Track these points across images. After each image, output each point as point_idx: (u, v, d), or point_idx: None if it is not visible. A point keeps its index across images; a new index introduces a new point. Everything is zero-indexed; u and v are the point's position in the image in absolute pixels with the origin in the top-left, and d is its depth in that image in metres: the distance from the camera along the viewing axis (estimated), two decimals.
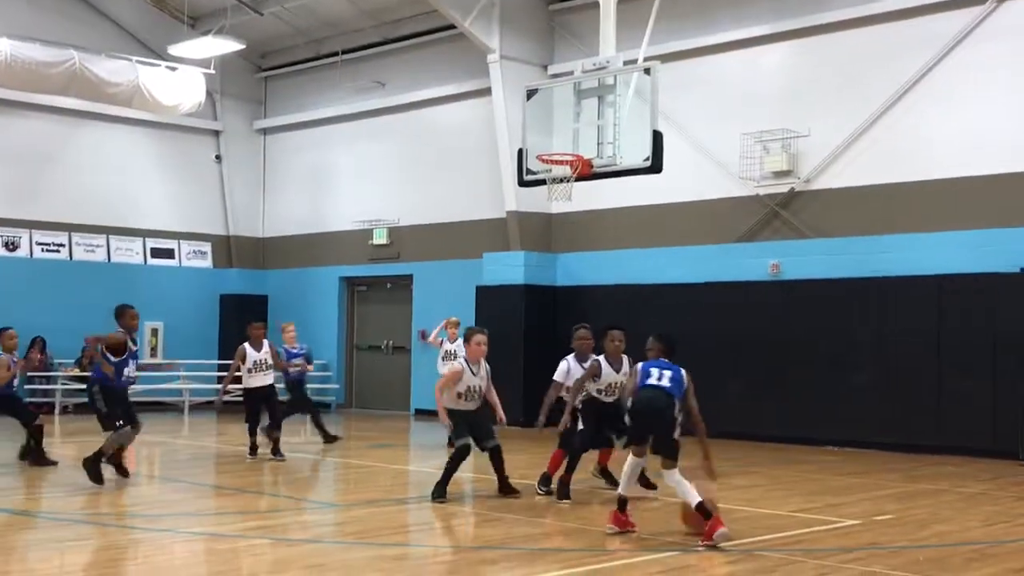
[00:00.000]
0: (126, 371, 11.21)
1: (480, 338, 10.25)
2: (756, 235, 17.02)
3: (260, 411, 13.66)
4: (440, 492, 10.13)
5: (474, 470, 12.06)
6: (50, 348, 20.54)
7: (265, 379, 13.71)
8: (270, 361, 13.78)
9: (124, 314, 11.32)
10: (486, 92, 19.32)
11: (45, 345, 20.35)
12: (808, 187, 16.55)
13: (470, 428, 10.17)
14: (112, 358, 11.11)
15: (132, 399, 11.65)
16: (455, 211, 20.67)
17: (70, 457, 12.94)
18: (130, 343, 11.24)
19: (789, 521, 9.51)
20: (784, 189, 16.70)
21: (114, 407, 11.16)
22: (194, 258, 23.69)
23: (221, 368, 22.66)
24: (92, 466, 10.94)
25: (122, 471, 11.48)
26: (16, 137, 21.12)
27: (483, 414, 10.42)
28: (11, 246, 21.07)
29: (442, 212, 20.90)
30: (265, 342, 13.80)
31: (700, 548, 7.92)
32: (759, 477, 12.62)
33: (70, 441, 15.33)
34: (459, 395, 10.20)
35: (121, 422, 11.12)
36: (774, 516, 9.78)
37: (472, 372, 10.20)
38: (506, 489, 10.43)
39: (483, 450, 10.29)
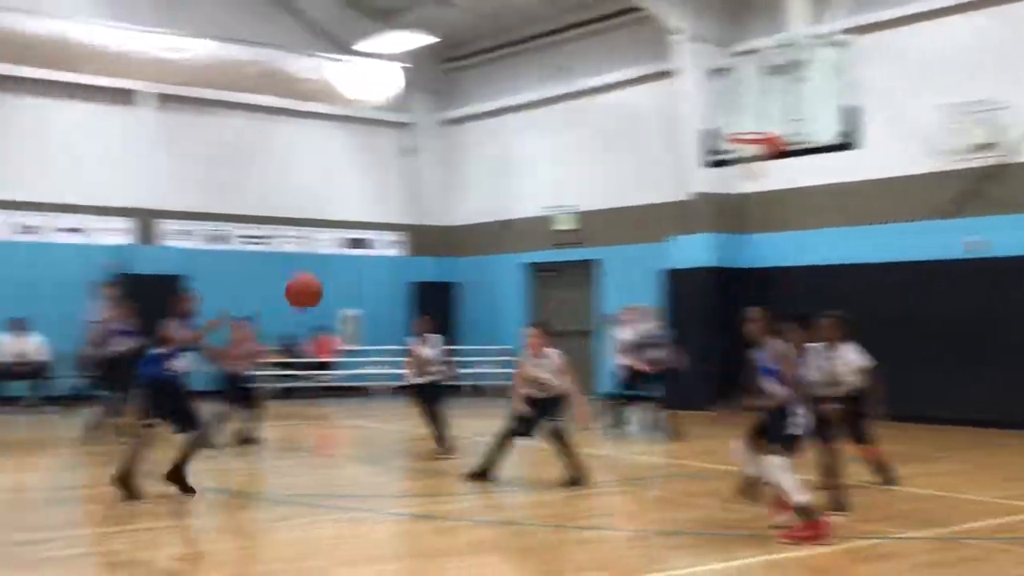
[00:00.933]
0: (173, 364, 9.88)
1: (527, 331, 10.69)
2: (956, 211, 16.29)
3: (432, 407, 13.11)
4: (480, 472, 10.39)
5: (666, 456, 12.02)
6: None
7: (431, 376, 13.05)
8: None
9: (182, 301, 10.42)
10: (670, 74, 19.12)
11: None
12: (1010, 160, 15.72)
13: (539, 414, 10.39)
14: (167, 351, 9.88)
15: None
16: (640, 195, 20.56)
17: (275, 439, 13.51)
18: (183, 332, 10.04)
19: (993, 507, 9.12)
20: (985, 163, 15.91)
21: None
22: (388, 247, 24.36)
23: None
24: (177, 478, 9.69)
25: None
26: (219, 135, 22.17)
27: (553, 401, 10.51)
28: (218, 240, 22.14)
29: (626, 196, 20.82)
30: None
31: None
32: (957, 462, 12.14)
33: (277, 425, 15.98)
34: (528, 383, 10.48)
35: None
36: (977, 502, 9.39)
37: (532, 364, 10.50)
38: (571, 476, 10.33)
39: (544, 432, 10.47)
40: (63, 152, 20.44)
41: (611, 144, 21.10)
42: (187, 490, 9.56)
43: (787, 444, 7.80)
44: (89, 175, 20.67)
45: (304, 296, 10.18)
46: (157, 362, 9.76)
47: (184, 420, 9.66)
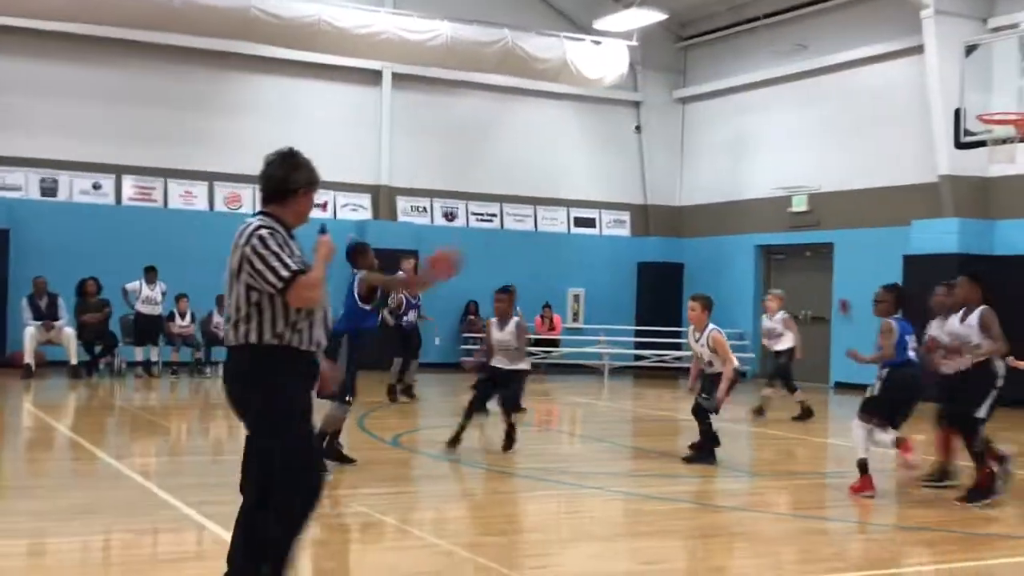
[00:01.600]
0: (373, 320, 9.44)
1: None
2: None
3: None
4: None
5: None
6: (483, 312, 21.95)
7: None
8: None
9: (366, 252, 9.49)
10: (916, 50, 18.25)
11: (478, 308, 21.73)
12: None
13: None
14: (365, 306, 9.32)
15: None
16: (880, 176, 19.75)
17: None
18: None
19: None
20: None
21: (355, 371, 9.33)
22: (614, 227, 24.36)
23: (638, 334, 23.26)
24: (329, 450, 9.26)
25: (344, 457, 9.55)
26: (454, 114, 22.70)
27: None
28: (450, 216, 22.71)
29: (866, 177, 20.04)
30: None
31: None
32: None
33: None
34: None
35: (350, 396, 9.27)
36: None
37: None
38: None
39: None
40: (309, 131, 21.34)
41: (851, 123, 20.34)
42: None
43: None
44: (333, 153, 21.52)
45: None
46: None
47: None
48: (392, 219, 22.09)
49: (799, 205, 21.40)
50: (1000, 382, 8.66)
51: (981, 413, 8.55)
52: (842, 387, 19.65)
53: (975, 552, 7.16)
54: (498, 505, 8.50)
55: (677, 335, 22.64)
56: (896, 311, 8.93)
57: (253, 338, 4.85)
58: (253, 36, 18.82)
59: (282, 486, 4.86)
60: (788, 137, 21.78)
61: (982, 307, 8.73)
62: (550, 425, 14.47)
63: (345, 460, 9.45)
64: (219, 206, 20.92)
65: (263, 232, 4.88)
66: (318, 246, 5.02)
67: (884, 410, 8.85)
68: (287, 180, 5.08)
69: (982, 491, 8.48)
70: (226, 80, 21.07)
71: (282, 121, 21.12)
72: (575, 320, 23.24)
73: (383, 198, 22.13)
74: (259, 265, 4.82)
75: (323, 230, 5.14)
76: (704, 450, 10.35)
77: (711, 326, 10.34)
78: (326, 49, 19.56)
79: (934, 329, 9.52)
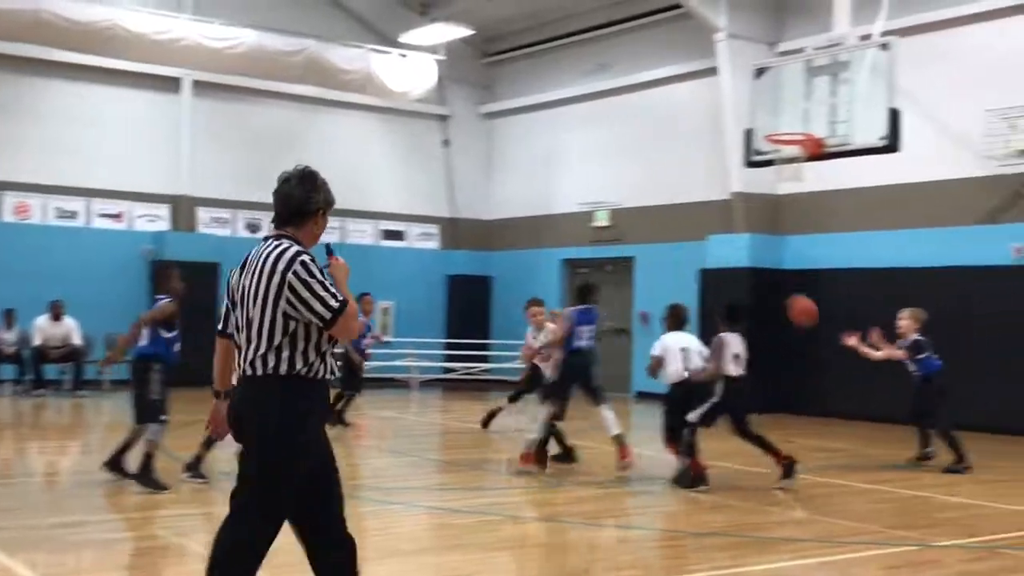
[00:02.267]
0: (176, 348, 9.54)
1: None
2: (999, 217, 16.10)
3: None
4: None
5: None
6: None
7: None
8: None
9: (171, 277, 9.71)
10: (711, 72, 19.02)
11: None
12: None
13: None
14: (166, 333, 9.44)
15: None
16: (678, 193, 20.46)
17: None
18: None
19: None
20: None
21: (165, 392, 9.45)
22: (423, 239, 24.40)
23: (448, 347, 23.34)
24: (145, 477, 9.16)
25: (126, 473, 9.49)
26: (259, 124, 22.25)
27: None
28: (253, 228, 22.26)
29: (665, 194, 20.73)
30: None
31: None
32: (1004, 471, 11.99)
33: None
34: None
35: (164, 415, 9.40)
36: (1020, 513, 9.28)
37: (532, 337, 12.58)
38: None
39: None
40: (104, 138, 20.60)
41: (651, 141, 21.01)
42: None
43: None
44: (129, 161, 20.82)
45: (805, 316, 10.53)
46: None
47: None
48: (192, 230, 21.48)
49: (601, 220, 21.95)
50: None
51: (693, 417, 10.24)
52: (644, 396, 20.22)
53: (764, 556, 7.49)
54: None
55: (486, 347, 22.83)
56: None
57: (284, 369, 4.54)
58: (44, 39, 17.98)
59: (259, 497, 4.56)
60: (591, 154, 22.32)
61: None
62: (359, 440, 14.33)
63: (160, 487, 9.14)
64: (7, 216, 19.86)
65: (305, 259, 4.62)
66: (334, 270, 4.74)
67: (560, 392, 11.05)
68: (307, 201, 4.85)
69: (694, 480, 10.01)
70: (16, 84, 20.03)
71: (77, 128, 20.28)
72: (384, 333, 23.11)
73: (183, 209, 21.47)
74: (306, 294, 4.53)
75: (331, 251, 4.86)
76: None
77: (548, 325, 12.24)
78: (122, 55, 18.86)
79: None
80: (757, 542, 7.86)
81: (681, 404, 10.38)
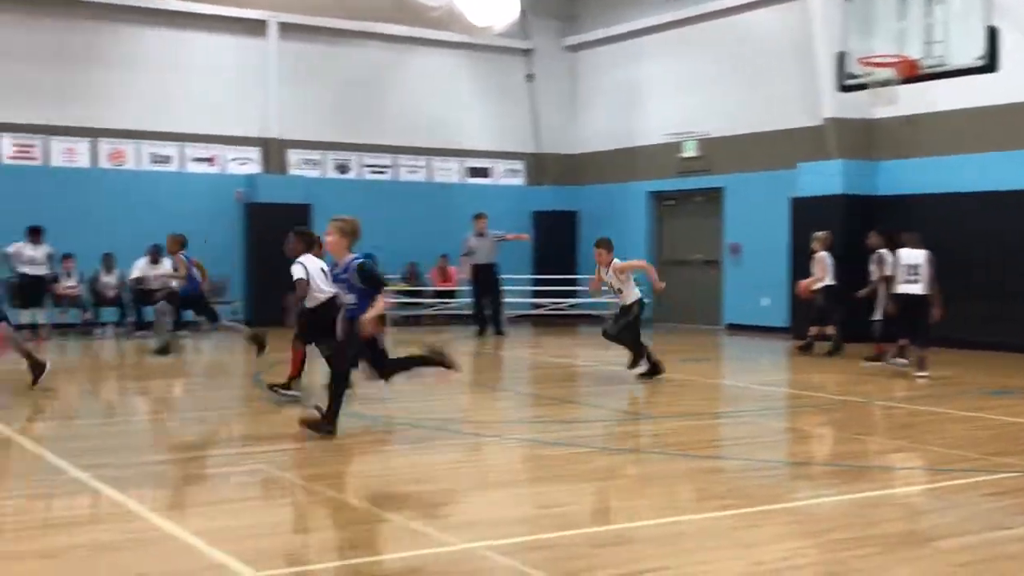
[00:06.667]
0: None
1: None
2: None
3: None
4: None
5: (797, 386, 11.82)
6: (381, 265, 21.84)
7: None
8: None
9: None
10: None
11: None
12: None
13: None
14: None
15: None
16: (767, 120, 20.08)
17: None
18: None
19: None
20: None
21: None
22: (508, 176, 24.37)
23: (535, 282, 23.39)
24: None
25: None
26: (345, 65, 22.32)
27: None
28: (343, 168, 22.46)
29: (754, 122, 20.36)
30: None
31: None
32: None
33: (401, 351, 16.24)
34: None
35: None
36: None
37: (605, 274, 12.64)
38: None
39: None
40: (194, 84, 20.89)
41: (739, 69, 20.60)
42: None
43: None
44: (220, 106, 21.11)
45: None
46: None
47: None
48: (282, 173, 21.75)
49: (689, 150, 21.66)
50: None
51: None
52: (734, 328, 20.09)
53: (864, 483, 7.41)
54: (398, 457, 8.51)
55: (574, 283, 22.83)
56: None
57: None
58: None
59: None
60: (677, 83, 21.97)
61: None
62: (447, 376, 14.48)
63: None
64: (103, 163, 20.33)
65: None
66: None
67: None
68: None
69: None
70: (106, 33, 20.40)
71: (166, 74, 20.61)
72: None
73: (273, 151, 21.74)
74: None
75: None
76: (644, 362, 12.25)
77: (615, 261, 12.36)
78: None
79: None
80: (855, 471, 7.78)
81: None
